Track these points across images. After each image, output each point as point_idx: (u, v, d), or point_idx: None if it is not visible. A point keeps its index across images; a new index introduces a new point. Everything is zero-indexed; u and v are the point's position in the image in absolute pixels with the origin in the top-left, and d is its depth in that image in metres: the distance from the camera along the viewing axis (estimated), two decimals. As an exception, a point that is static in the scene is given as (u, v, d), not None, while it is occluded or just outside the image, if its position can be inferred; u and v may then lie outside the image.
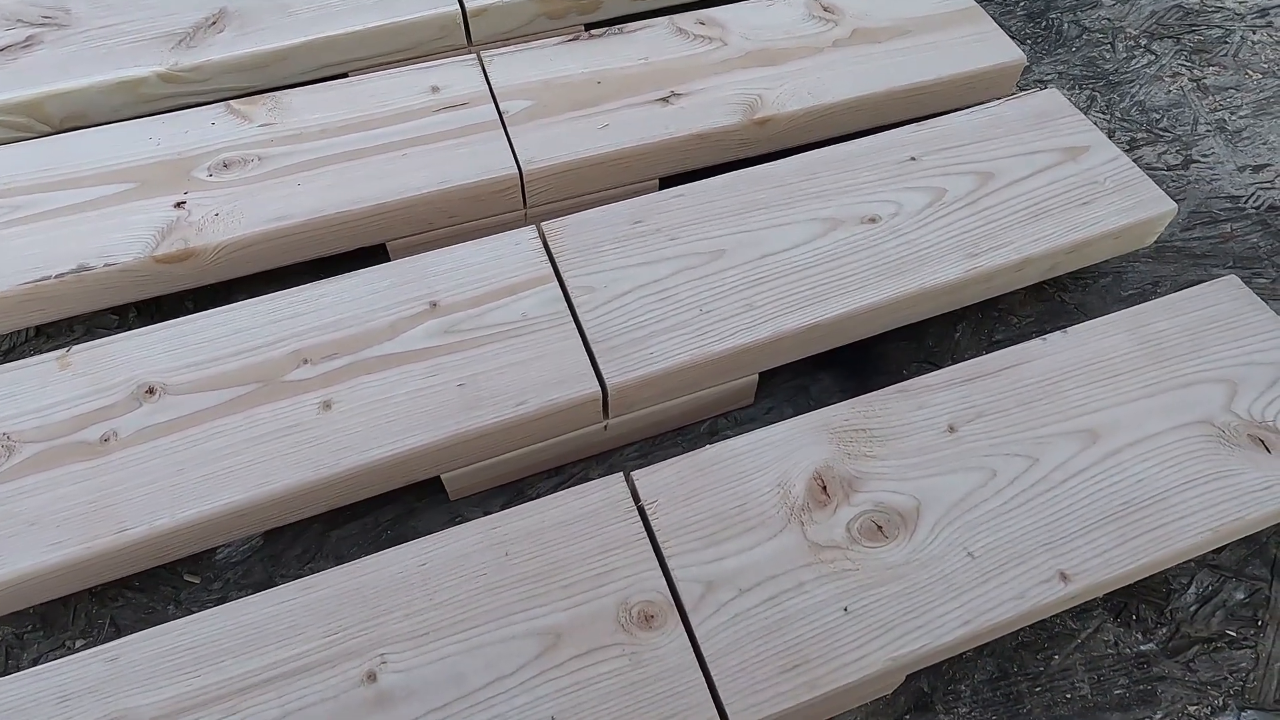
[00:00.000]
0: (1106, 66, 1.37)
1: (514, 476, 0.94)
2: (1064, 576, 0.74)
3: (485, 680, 0.69)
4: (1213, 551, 0.88)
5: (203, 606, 0.87)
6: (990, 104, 1.11)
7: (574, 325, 0.90)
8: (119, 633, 0.86)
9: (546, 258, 0.96)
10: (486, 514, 0.92)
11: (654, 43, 1.18)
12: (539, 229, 0.98)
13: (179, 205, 1.00)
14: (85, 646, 0.85)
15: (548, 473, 0.96)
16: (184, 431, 0.83)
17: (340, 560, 0.90)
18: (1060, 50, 1.40)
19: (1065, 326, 0.91)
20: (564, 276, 0.94)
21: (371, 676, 0.70)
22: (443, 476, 0.89)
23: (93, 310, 1.01)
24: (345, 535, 0.92)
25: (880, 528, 0.77)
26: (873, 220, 0.99)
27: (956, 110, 1.12)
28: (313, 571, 0.89)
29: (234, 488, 0.80)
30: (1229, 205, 1.18)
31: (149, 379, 0.87)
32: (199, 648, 0.71)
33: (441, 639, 0.71)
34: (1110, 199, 1.01)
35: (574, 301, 0.92)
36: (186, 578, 0.89)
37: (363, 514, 0.93)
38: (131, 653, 0.71)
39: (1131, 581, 0.80)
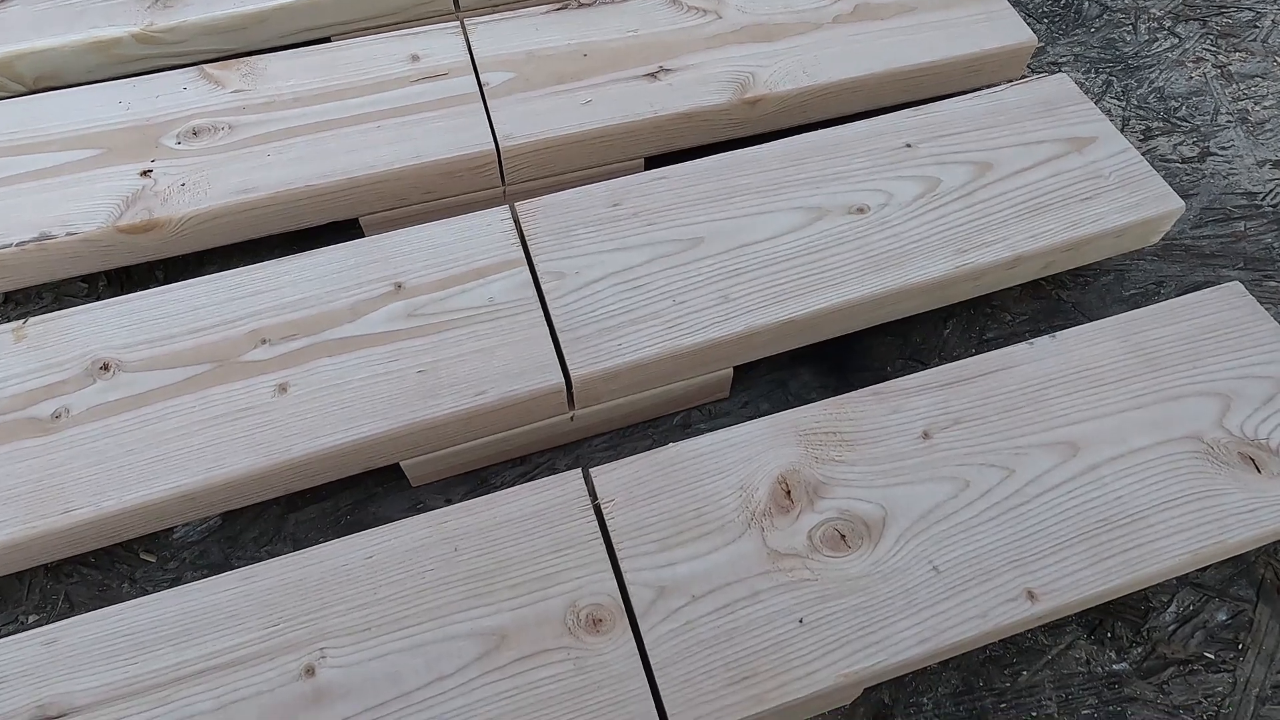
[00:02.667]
0: (1126, 49, 1.30)
1: (477, 465, 0.92)
2: (1031, 596, 0.71)
3: (424, 680, 0.68)
4: (1197, 570, 0.85)
5: (157, 586, 0.86)
6: (995, 89, 1.06)
7: (541, 312, 0.87)
8: (73, 609, 0.85)
9: (518, 240, 0.92)
10: (449, 502, 0.91)
11: (645, 13, 1.13)
12: (512, 209, 0.95)
13: (145, 174, 0.97)
14: (39, 622, 0.84)
15: (512, 462, 0.93)
16: (136, 410, 0.82)
17: (298, 544, 0.89)
18: (1078, 30, 1.33)
19: (1060, 326, 0.87)
20: (535, 260, 0.91)
21: (310, 671, 0.68)
22: (402, 464, 0.87)
23: (57, 279, 0.99)
24: (304, 519, 0.90)
25: (843, 537, 0.74)
26: (861, 210, 0.95)
27: (962, 93, 1.06)
28: (270, 555, 0.88)
29: (183, 471, 0.78)
30: (1244, 202, 1.13)
31: (104, 355, 0.85)
32: (137, 634, 0.70)
33: (383, 635, 0.70)
34: (1113, 195, 0.96)
35: (543, 288, 0.89)
36: (143, 556, 0.88)
37: (323, 498, 0.91)
38: (69, 636, 0.70)
39: (1103, 602, 0.77)
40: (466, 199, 1.05)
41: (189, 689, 0.68)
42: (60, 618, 0.83)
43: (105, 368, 0.84)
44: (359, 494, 0.92)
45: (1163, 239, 1.07)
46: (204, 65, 1.07)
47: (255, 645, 0.70)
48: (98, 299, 1.04)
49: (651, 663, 0.68)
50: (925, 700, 0.79)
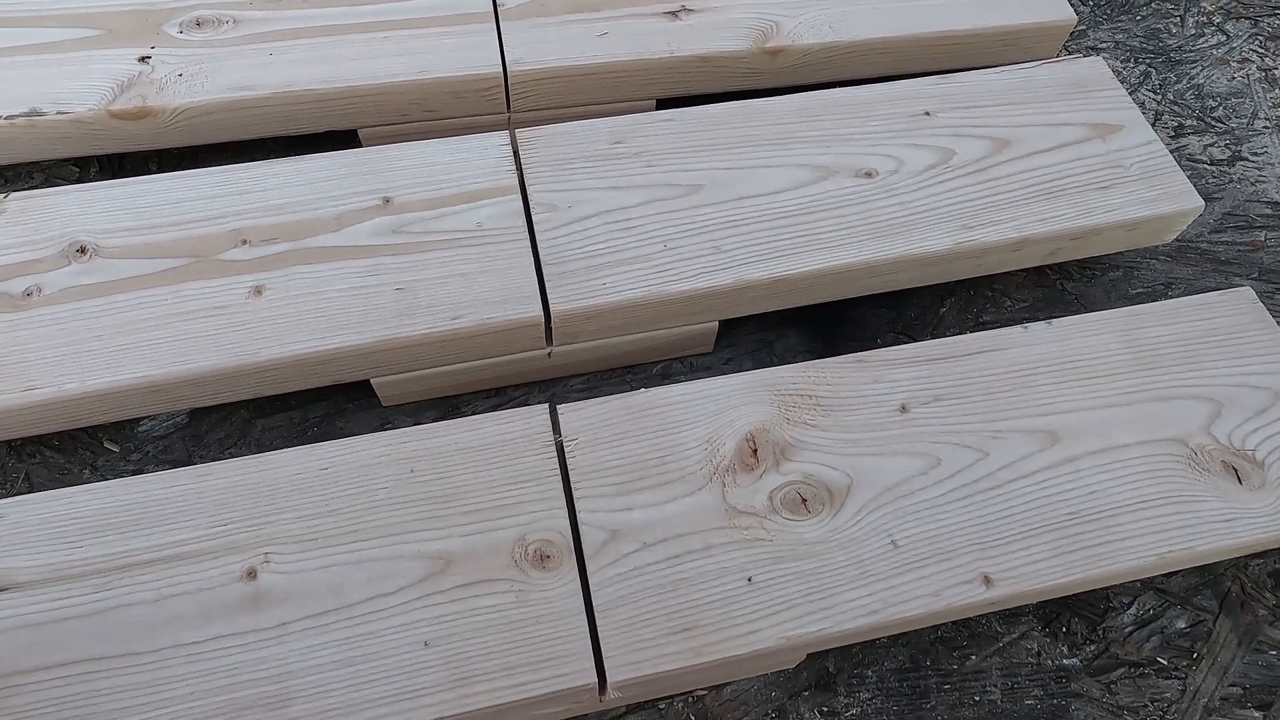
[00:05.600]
0: (1170, 41, 1.25)
1: (450, 391, 0.90)
2: (987, 580, 0.70)
3: (365, 595, 0.67)
4: (1163, 575, 0.84)
5: (118, 475, 0.86)
6: (1026, 65, 1.02)
7: (529, 243, 0.85)
8: (32, 489, 0.85)
9: (514, 167, 0.90)
10: (418, 425, 0.90)
11: (674, -51, 1.09)
12: (512, 135, 0.92)
13: (143, 60, 0.95)
14: (-3, 498, 0.84)
15: (486, 393, 0.92)
16: (109, 297, 0.80)
17: (261, 450, 0.87)
18: (1123, 17, 1.28)
19: (1061, 317, 0.85)
20: (529, 190, 0.88)
21: (252, 574, 0.68)
22: (373, 381, 0.85)
23: (48, 159, 0.98)
24: (271, 426, 0.90)
25: (805, 501, 0.73)
26: (869, 175, 0.92)
27: (992, 67, 1.02)
28: (233, 458, 0.87)
29: (149, 362, 0.77)
30: (1269, 212, 1.09)
31: (82, 238, 0.84)
32: (86, 519, 0.70)
33: (329, 547, 0.69)
34: (1132, 186, 0.92)
35: (534, 218, 0.87)
36: (106, 444, 0.88)
37: (292, 407, 0.90)
38: (19, 514, 0.70)
39: (1062, 595, 0.76)
40: (469, 122, 1.02)
41: (131, 578, 0.67)
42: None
43: (82, 251, 0.83)
44: (329, 408, 0.91)
45: (1178, 240, 1.04)
46: (215, -45, 1.04)
47: (201, 542, 0.69)
48: (87, 185, 1.03)
49: (594, 604, 0.67)
50: (870, 673, 0.79)
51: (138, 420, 0.89)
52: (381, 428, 0.89)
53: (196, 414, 0.90)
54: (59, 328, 0.79)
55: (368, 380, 0.86)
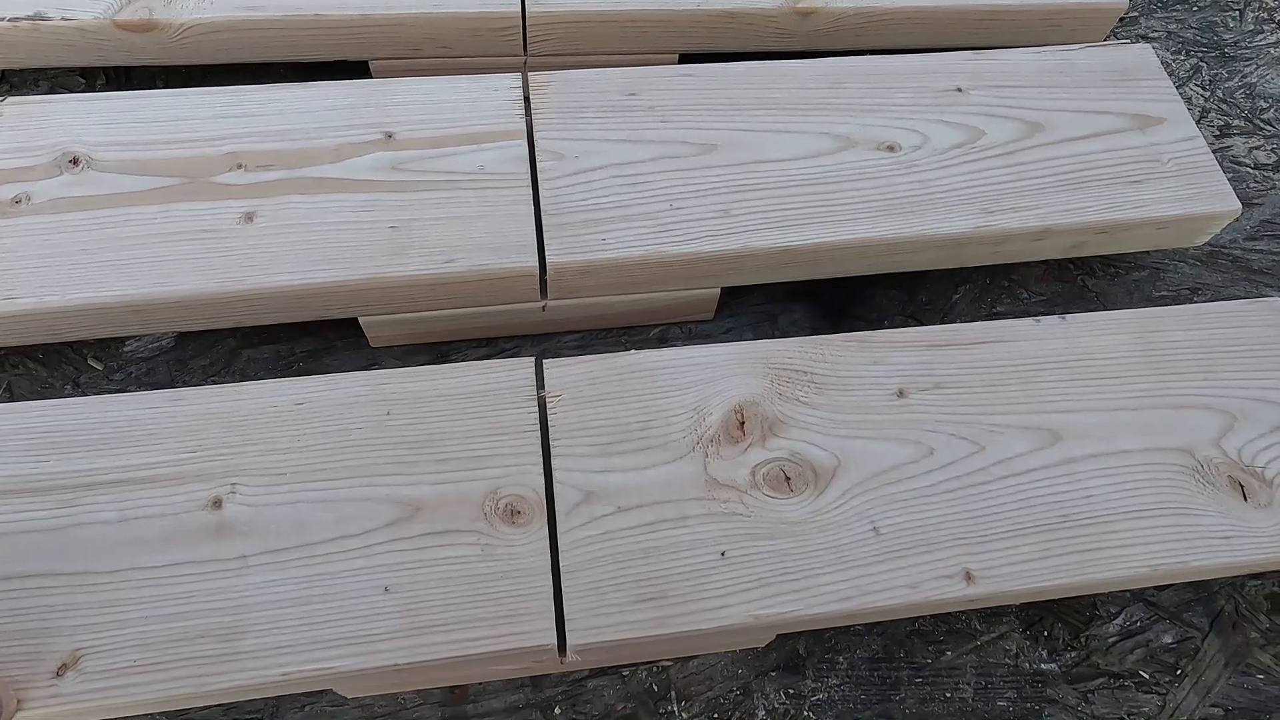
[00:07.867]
0: (1225, 36, 1.19)
1: (440, 338, 0.88)
2: (969, 577, 0.67)
3: (329, 535, 0.66)
4: (1155, 588, 0.81)
5: (98, 394, 0.85)
6: (1068, 47, 0.97)
7: (531, 191, 0.82)
8: (11, 399, 0.84)
9: (523, 112, 0.87)
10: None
11: (712, -102, 1.04)
12: (524, 79, 0.89)
13: (153, -30, 0.92)
14: (-23, 406, 0.83)
15: (477, 342, 0.90)
16: (98, 211, 0.79)
17: (245, 380, 0.86)
18: (1178, 6, 1.22)
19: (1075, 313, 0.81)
20: (536, 136, 0.85)
21: (217, 503, 0.67)
22: (361, 321, 0.83)
23: (51, 66, 0.96)
24: (257, 357, 0.88)
25: (788, 479, 0.70)
26: (891, 148, 0.88)
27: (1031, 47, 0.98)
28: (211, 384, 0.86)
29: (132, 281, 0.76)
30: (1310, 222, 1.04)
31: (76, 149, 0.82)
32: (54, 433, 0.69)
33: (297, 483, 0.68)
34: (1166, 183, 0.88)
35: (538, 166, 0.84)
36: (90, 362, 0.87)
37: (279, 339, 0.89)
38: (-13, 422, 0.69)
39: (1047, 599, 0.73)
40: (484, 62, 0.99)
41: (94, 496, 0.66)
42: (-2, 406, 0.82)
43: (75, 162, 0.81)
44: (317, 343, 0.89)
45: (1210, 244, 1.00)
46: None
47: (168, 467, 0.68)
48: (92, 97, 1.01)
49: (561, 565, 0.66)
50: (841, 659, 0.77)
51: (123, 340, 0.88)
52: (368, 369, 0.88)
53: (183, 339, 0.88)
54: (44, 238, 0.77)
55: (358, 319, 0.84)
